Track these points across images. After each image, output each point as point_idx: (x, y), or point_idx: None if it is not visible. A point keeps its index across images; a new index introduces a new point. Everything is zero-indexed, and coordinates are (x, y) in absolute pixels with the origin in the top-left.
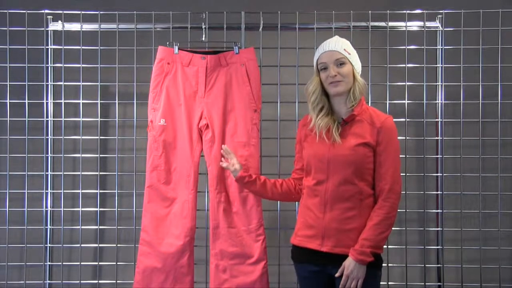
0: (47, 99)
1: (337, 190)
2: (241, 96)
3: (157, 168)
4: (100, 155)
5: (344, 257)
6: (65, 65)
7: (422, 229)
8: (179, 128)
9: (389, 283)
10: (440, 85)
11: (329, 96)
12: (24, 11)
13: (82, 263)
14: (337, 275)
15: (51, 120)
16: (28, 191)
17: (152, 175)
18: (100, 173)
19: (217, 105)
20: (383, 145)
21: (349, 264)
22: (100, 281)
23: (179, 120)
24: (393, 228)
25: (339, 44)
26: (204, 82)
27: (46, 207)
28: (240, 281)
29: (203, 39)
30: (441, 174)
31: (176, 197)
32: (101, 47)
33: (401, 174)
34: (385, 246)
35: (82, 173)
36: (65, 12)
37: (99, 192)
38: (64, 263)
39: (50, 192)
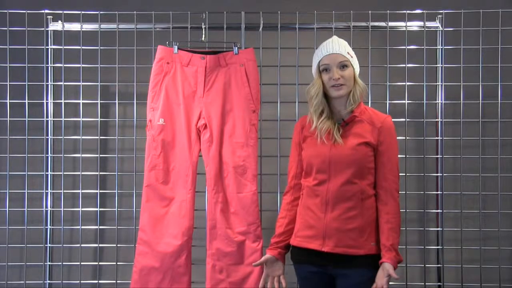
0: (47, 99)
1: (339, 190)
2: (239, 96)
3: (155, 167)
4: (100, 155)
5: (344, 257)
6: (65, 65)
7: (422, 229)
8: (178, 127)
9: (389, 283)
10: (440, 85)
11: (328, 97)
12: (24, 11)
13: (82, 263)
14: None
15: (51, 120)
16: (28, 191)
17: (150, 174)
18: (100, 173)
19: (215, 105)
20: (385, 145)
21: (388, 268)
22: (100, 281)
23: (178, 119)
24: None
25: (342, 47)
26: (203, 82)
27: (46, 207)
28: (236, 282)
29: (203, 39)
30: (441, 174)
31: (174, 197)
32: (101, 47)
33: (401, 174)
34: None
35: (82, 173)
36: (65, 12)
37: (99, 192)
38: (64, 263)
39: (50, 192)
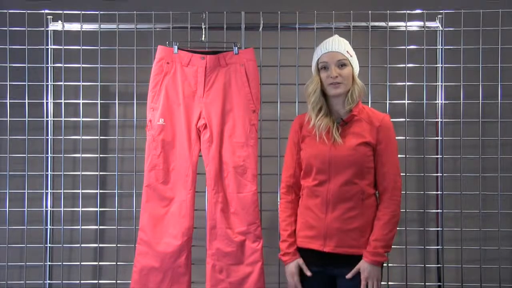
0: (47, 99)
1: (339, 190)
2: (239, 96)
3: (155, 167)
4: (100, 155)
5: (346, 257)
6: (65, 65)
7: (422, 229)
8: (178, 127)
9: (389, 283)
10: (440, 85)
11: (327, 96)
12: (24, 11)
13: (82, 263)
14: (348, 276)
15: (51, 120)
16: (28, 191)
17: (150, 174)
18: (100, 173)
19: (215, 105)
20: (384, 144)
21: (365, 267)
22: (100, 281)
23: (178, 119)
24: None
25: (341, 45)
26: (203, 82)
27: (46, 207)
28: (236, 282)
29: (203, 39)
30: (441, 174)
31: (174, 197)
32: (101, 47)
33: (401, 174)
34: None
35: (82, 173)
36: (65, 12)
37: (99, 192)
38: (64, 263)
39: (50, 192)
